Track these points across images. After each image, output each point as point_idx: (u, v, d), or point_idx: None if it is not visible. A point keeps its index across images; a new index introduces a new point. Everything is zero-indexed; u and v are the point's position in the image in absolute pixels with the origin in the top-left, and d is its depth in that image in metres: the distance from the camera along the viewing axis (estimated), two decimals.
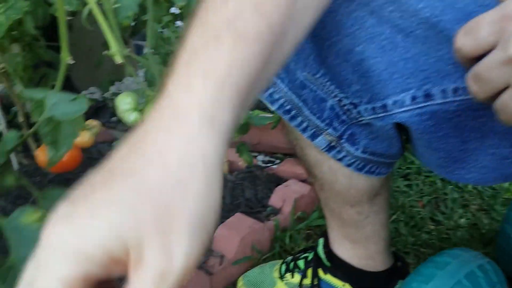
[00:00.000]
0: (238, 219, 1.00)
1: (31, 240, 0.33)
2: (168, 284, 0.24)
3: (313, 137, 0.61)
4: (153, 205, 0.25)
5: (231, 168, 1.32)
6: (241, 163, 1.33)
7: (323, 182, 0.70)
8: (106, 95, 1.82)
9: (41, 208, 0.34)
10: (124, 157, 0.28)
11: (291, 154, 1.36)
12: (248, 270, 0.93)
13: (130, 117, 0.87)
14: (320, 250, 0.82)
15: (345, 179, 0.66)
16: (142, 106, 0.86)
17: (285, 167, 1.28)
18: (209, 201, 0.27)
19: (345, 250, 0.79)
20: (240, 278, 0.91)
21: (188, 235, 0.25)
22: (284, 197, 1.11)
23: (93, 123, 1.18)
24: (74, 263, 0.23)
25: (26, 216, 0.33)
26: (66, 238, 0.24)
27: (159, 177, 0.26)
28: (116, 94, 1.67)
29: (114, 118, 1.70)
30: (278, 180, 1.23)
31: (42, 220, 0.34)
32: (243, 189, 1.18)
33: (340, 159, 0.63)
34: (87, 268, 0.24)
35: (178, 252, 0.24)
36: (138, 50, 1.90)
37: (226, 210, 1.08)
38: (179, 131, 0.28)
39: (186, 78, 0.29)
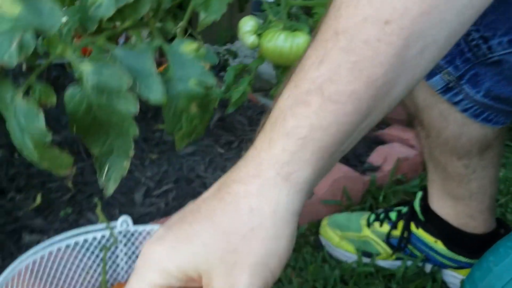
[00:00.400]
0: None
1: (185, 63, 0.40)
2: None
3: (429, 76, 0.59)
4: (222, 246, 0.31)
5: None
6: None
7: (430, 129, 0.68)
8: (220, 51, 1.96)
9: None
10: (207, 200, 0.33)
11: (399, 119, 1.34)
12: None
13: (249, 39, 0.93)
14: (417, 203, 0.81)
15: (455, 127, 0.64)
16: (262, 31, 0.92)
17: (391, 131, 1.26)
18: (274, 248, 0.31)
19: (444, 206, 0.76)
20: (325, 218, 0.93)
21: (249, 274, 0.30)
22: (386, 156, 1.10)
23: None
24: (160, 275, 0.31)
25: (184, 45, 0.40)
26: (157, 256, 0.32)
27: (231, 223, 0.31)
28: (228, 50, 1.79)
29: (222, 73, 1.82)
30: (381, 143, 1.22)
31: (196, 51, 0.40)
32: None
33: (455, 103, 0.60)
34: (169, 281, 0.31)
35: (240, 286, 0.30)
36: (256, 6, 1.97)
37: None
38: (255, 184, 0.32)
39: (269, 137, 0.33)
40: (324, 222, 0.92)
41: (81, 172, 0.89)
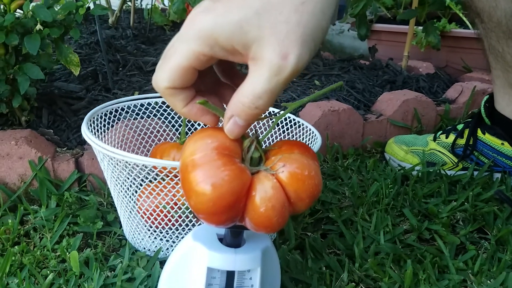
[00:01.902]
0: (405, 91, 1.08)
1: None
2: (280, 77, 0.32)
3: None
4: (275, 15, 0.31)
5: (409, 69, 1.37)
6: (422, 69, 1.37)
7: (482, 13, 0.69)
8: None
9: None
10: None
11: (480, 68, 1.33)
12: None
13: None
14: (482, 107, 0.84)
15: (505, 4, 0.65)
16: None
17: (472, 75, 1.27)
18: (320, 22, 0.33)
19: (508, 104, 0.78)
20: (392, 138, 0.98)
21: (300, 44, 0.31)
22: (462, 89, 1.12)
23: None
24: (207, 44, 0.32)
25: None
26: (205, 24, 0.32)
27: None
28: None
29: None
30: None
31: None
32: (417, 80, 1.23)
33: None
34: (214, 50, 0.32)
35: (292, 55, 0.31)
36: None
37: (396, 88, 1.16)
38: None
39: None
40: (390, 140, 0.97)
41: None
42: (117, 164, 0.52)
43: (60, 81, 0.98)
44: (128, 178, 0.53)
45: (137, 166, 0.51)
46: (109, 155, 0.50)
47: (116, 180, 0.55)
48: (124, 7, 2.08)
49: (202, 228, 0.47)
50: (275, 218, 0.36)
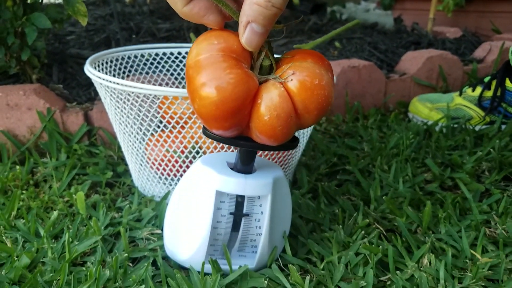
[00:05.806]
0: (430, 50, 1.04)
1: None
2: None
3: None
4: None
5: (436, 34, 1.33)
6: (449, 34, 1.32)
7: None
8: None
9: None
10: None
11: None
12: None
13: None
14: (510, 54, 0.80)
15: None
16: None
17: (502, 36, 1.22)
18: None
19: None
20: (416, 96, 0.95)
21: None
22: (491, 48, 1.07)
23: None
24: None
25: None
26: None
27: None
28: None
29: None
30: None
31: None
32: (443, 42, 1.19)
33: None
34: None
35: None
36: None
37: (420, 49, 1.12)
38: None
39: None
40: (414, 99, 0.94)
41: None
42: (119, 97, 0.52)
43: (74, 49, 0.99)
44: (131, 114, 0.53)
45: (138, 97, 0.51)
46: (109, 86, 0.50)
47: (120, 119, 0.55)
48: None
49: (212, 155, 0.46)
50: (279, 127, 0.34)
